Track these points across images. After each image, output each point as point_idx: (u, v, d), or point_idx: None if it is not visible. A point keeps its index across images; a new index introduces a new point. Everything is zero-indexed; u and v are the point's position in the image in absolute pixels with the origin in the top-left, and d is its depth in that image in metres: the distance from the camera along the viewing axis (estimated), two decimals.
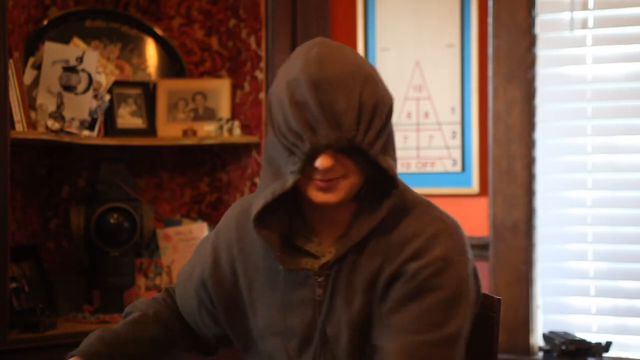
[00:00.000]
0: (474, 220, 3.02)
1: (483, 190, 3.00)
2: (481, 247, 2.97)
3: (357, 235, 1.58)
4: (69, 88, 2.81)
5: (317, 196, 1.56)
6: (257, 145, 3.08)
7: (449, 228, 1.60)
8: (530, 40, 2.92)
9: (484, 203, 2.99)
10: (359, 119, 1.51)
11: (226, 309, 1.69)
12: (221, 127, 3.07)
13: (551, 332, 2.84)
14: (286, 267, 1.60)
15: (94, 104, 2.86)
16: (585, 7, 2.90)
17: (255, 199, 1.60)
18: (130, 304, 1.79)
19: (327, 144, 1.51)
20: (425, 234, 1.58)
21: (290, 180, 1.55)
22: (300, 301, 1.61)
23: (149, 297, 1.85)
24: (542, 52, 2.95)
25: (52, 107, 2.78)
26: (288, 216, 1.63)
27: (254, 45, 3.08)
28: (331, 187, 1.55)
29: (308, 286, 1.61)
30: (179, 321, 1.77)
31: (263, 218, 1.60)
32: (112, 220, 2.85)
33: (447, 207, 1.73)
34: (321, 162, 1.52)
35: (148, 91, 3.12)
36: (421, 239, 1.57)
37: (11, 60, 2.53)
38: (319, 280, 1.61)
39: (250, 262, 1.66)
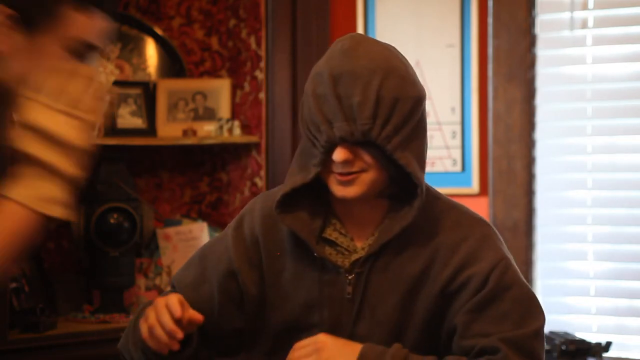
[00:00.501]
0: None
1: (483, 190, 3.00)
2: None
3: (388, 234, 1.58)
4: None
5: (338, 190, 1.56)
6: (257, 145, 3.08)
7: (492, 229, 1.64)
8: (530, 40, 2.92)
9: (484, 203, 2.99)
10: (376, 112, 1.51)
11: (250, 301, 1.66)
12: (221, 127, 3.07)
13: (551, 332, 2.84)
14: (315, 252, 1.60)
15: None
16: (585, 7, 2.90)
17: (279, 191, 1.61)
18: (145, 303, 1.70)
19: (341, 136, 1.51)
20: (472, 237, 1.60)
21: (311, 172, 1.56)
22: (329, 299, 1.61)
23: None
24: (542, 52, 2.94)
25: None
26: (321, 212, 1.63)
27: (254, 45, 3.08)
28: (350, 181, 1.55)
29: (338, 284, 1.61)
30: None
31: (289, 209, 1.60)
32: (112, 220, 2.85)
33: None
34: (337, 154, 1.53)
35: (148, 91, 3.12)
36: (470, 243, 1.59)
37: None
38: (349, 278, 1.60)
39: (276, 258, 1.65)
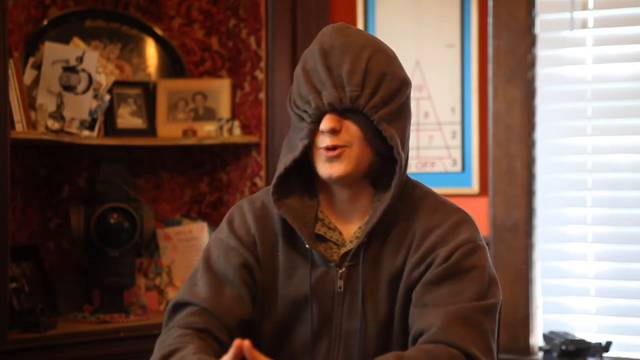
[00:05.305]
0: None
1: (483, 190, 3.00)
2: None
3: (373, 220, 1.60)
4: (69, 88, 2.80)
5: (324, 168, 1.58)
6: (257, 145, 3.08)
7: (468, 217, 1.66)
8: (530, 40, 2.92)
9: (484, 203, 2.99)
10: (364, 82, 1.56)
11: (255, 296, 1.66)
12: (221, 127, 3.07)
13: (551, 332, 2.84)
14: (307, 244, 1.61)
15: (94, 104, 2.86)
16: (585, 7, 2.90)
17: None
18: (167, 344, 1.54)
19: (330, 102, 1.55)
20: (447, 222, 1.62)
21: (299, 146, 1.58)
22: (320, 294, 1.62)
23: (177, 337, 1.57)
24: (542, 52, 2.95)
25: (52, 107, 2.78)
26: (312, 206, 1.65)
27: (254, 45, 3.08)
28: (337, 157, 1.56)
29: (329, 278, 1.62)
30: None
31: (283, 197, 1.63)
32: (112, 221, 2.85)
33: None
34: (324, 123, 1.56)
35: (148, 91, 3.12)
36: (445, 227, 1.61)
37: (11, 60, 2.53)
38: (340, 272, 1.61)
39: (270, 257, 1.66)
